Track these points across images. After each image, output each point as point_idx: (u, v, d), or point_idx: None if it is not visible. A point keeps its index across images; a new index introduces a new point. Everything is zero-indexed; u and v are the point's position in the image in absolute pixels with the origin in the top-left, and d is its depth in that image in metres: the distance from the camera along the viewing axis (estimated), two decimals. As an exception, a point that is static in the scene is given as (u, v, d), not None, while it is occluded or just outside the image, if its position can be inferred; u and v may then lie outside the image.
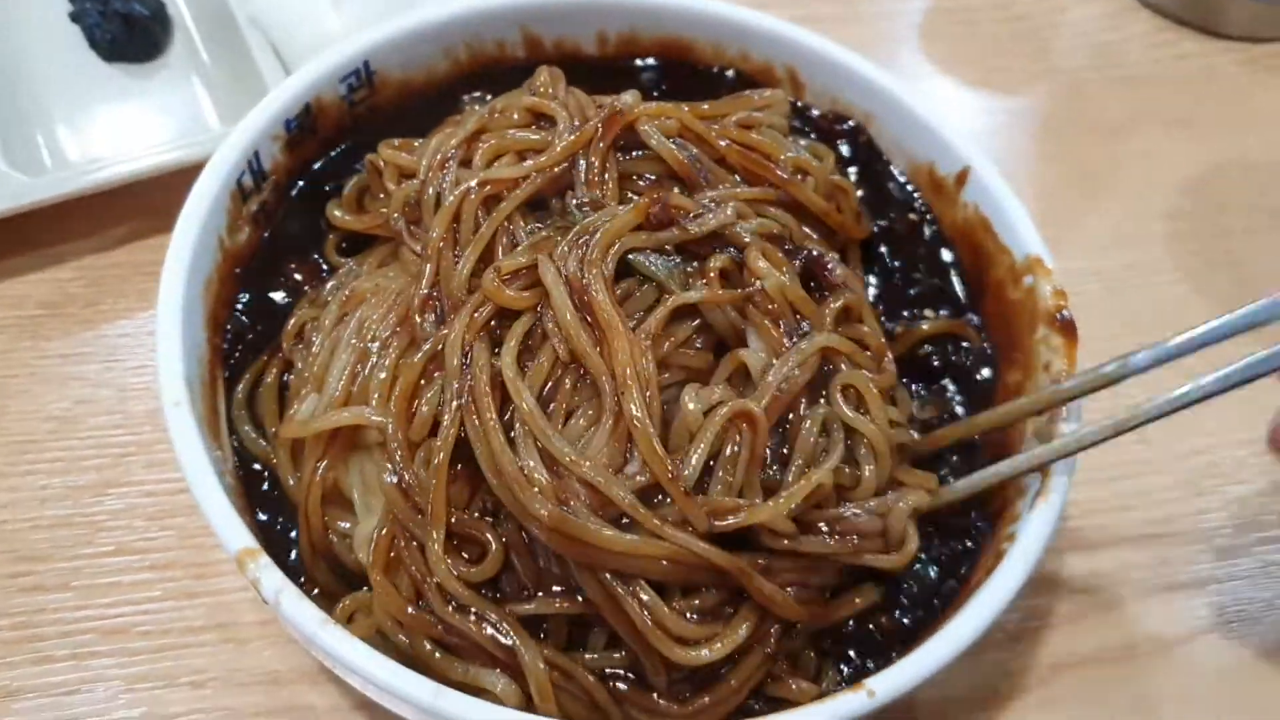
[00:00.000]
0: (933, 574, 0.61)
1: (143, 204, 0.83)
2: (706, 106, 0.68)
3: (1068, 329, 0.64)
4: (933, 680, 0.53)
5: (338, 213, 0.69)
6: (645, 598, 0.52)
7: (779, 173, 0.65)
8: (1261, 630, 0.73)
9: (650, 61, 0.79)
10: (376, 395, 0.57)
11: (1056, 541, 0.74)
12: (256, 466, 0.62)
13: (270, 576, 0.52)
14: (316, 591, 0.58)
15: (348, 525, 0.58)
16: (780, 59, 0.77)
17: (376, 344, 0.59)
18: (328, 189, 0.72)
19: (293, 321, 0.65)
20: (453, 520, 0.53)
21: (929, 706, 0.68)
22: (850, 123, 0.76)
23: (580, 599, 0.53)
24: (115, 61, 0.91)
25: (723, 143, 0.64)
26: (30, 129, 0.86)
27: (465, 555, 0.54)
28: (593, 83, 0.69)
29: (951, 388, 0.69)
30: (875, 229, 0.73)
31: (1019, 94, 1.04)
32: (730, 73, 0.78)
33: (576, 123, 0.63)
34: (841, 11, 1.07)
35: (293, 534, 0.60)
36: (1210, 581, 0.75)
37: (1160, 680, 0.70)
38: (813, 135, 0.76)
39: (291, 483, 0.60)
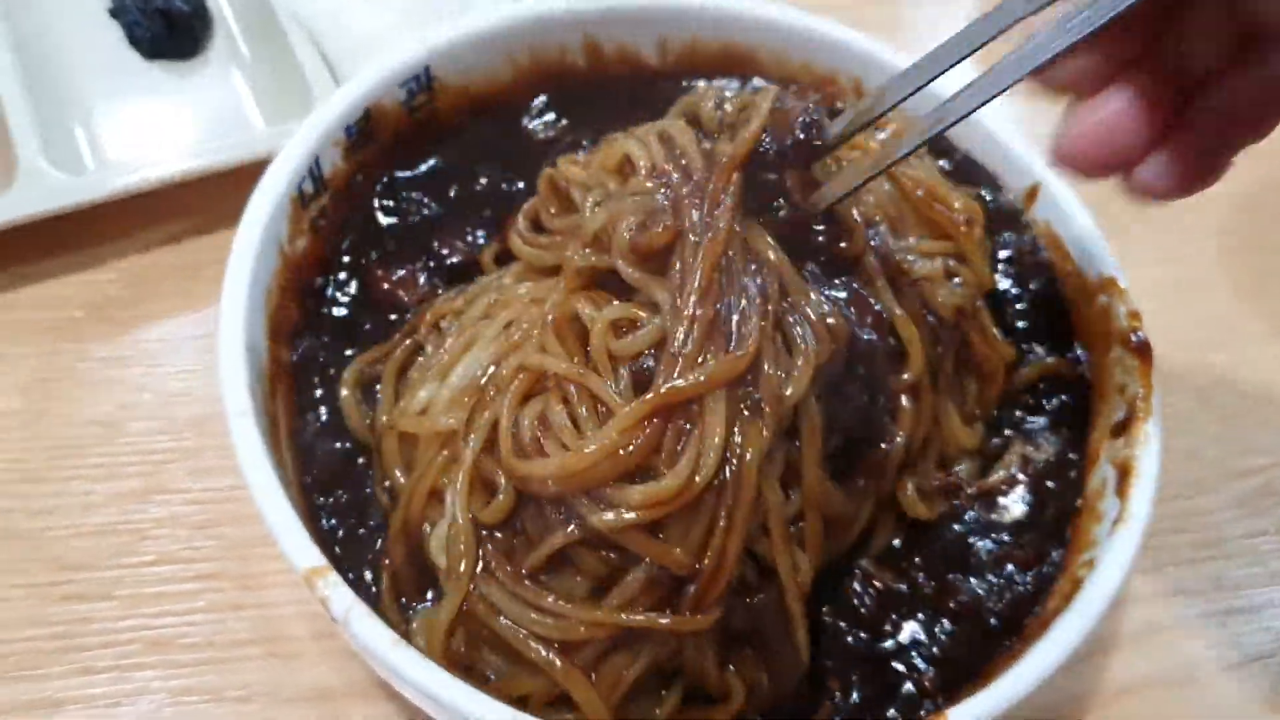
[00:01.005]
0: (1004, 603, 0.60)
1: (183, 204, 0.81)
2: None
3: (1143, 350, 0.63)
4: (1012, 711, 0.52)
5: (521, 246, 0.63)
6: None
7: (952, 219, 0.63)
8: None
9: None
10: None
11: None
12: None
13: (340, 595, 0.51)
14: (391, 577, 0.57)
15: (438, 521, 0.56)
16: (846, 69, 0.75)
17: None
18: (382, 201, 0.70)
19: (430, 313, 0.63)
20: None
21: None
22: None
23: None
24: (155, 59, 0.90)
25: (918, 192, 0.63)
26: (70, 127, 0.84)
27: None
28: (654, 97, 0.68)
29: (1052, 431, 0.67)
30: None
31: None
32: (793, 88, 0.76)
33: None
34: (887, 15, 1.06)
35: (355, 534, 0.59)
36: (1267, 606, 0.74)
37: (1220, 704, 0.69)
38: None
39: (399, 474, 0.58)
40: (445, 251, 0.68)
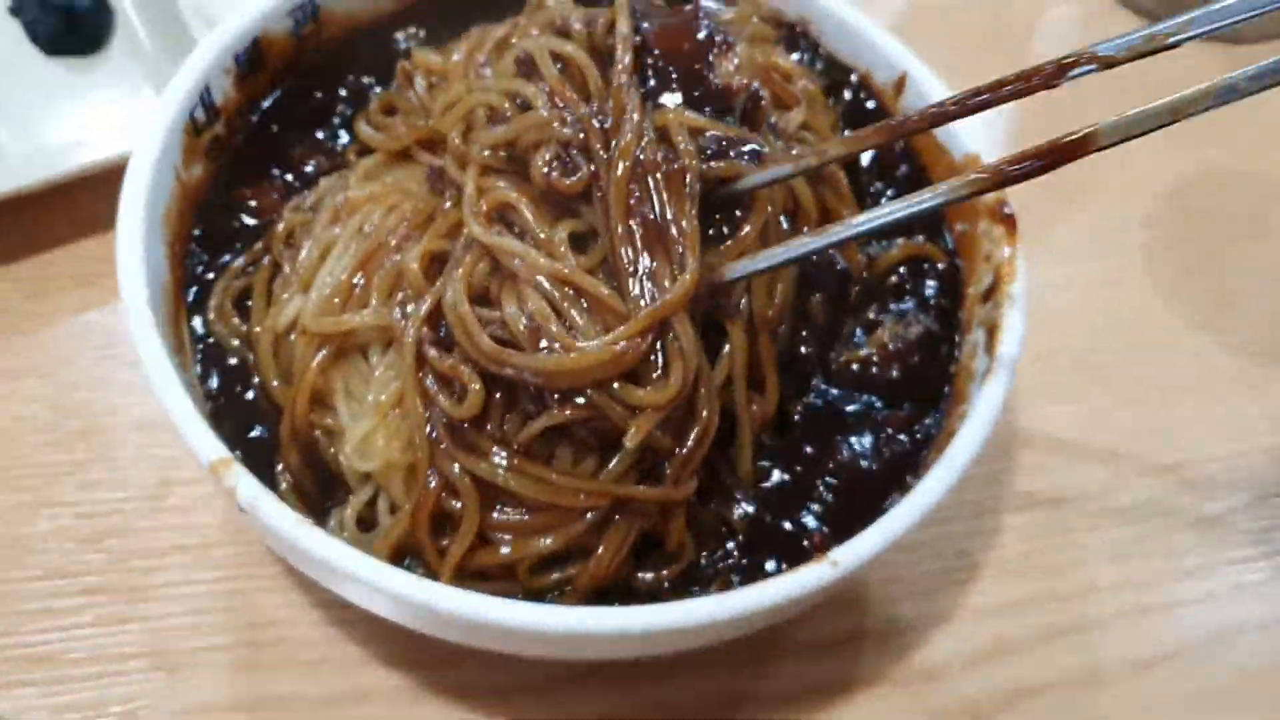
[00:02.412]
0: (885, 462, 0.64)
1: (84, 205, 0.80)
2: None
3: (1009, 220, 0.66)
4: (895, 547, 0.54)
5: (366, 129, 0.69)
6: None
7: (793, 92, 0.67)
8: (1232, 654, 0.71)
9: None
10: (375, 297, 0.59)
11: (1019, 563, 0.73)
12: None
13: (246, 483, 0.53)
14: (289, 483, 0.60)
15: (331, 422, 0.60)
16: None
17: (394, 243, 0.61)
18: (276, 128, 0.73)
19: (281, 226, 0.66)
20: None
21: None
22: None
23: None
24: (56, 55, 0.88)
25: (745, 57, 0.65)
26: (-30, 126, 0.82)
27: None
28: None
29: (919, 310, 0.70)
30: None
31: (994, 96, 1.01)
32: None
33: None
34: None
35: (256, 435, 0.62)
36: (1179, 604, 0.74)
37: (1124, 706, 0.69)
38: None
39: (275, 383, 0.62)
40: (312, 163, 0.72)
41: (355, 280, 0.61)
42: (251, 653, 0.65)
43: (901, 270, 0.71)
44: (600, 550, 0.57)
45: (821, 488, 0.63)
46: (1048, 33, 1.06)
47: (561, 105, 0.57)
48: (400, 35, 0.77)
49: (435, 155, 0.67)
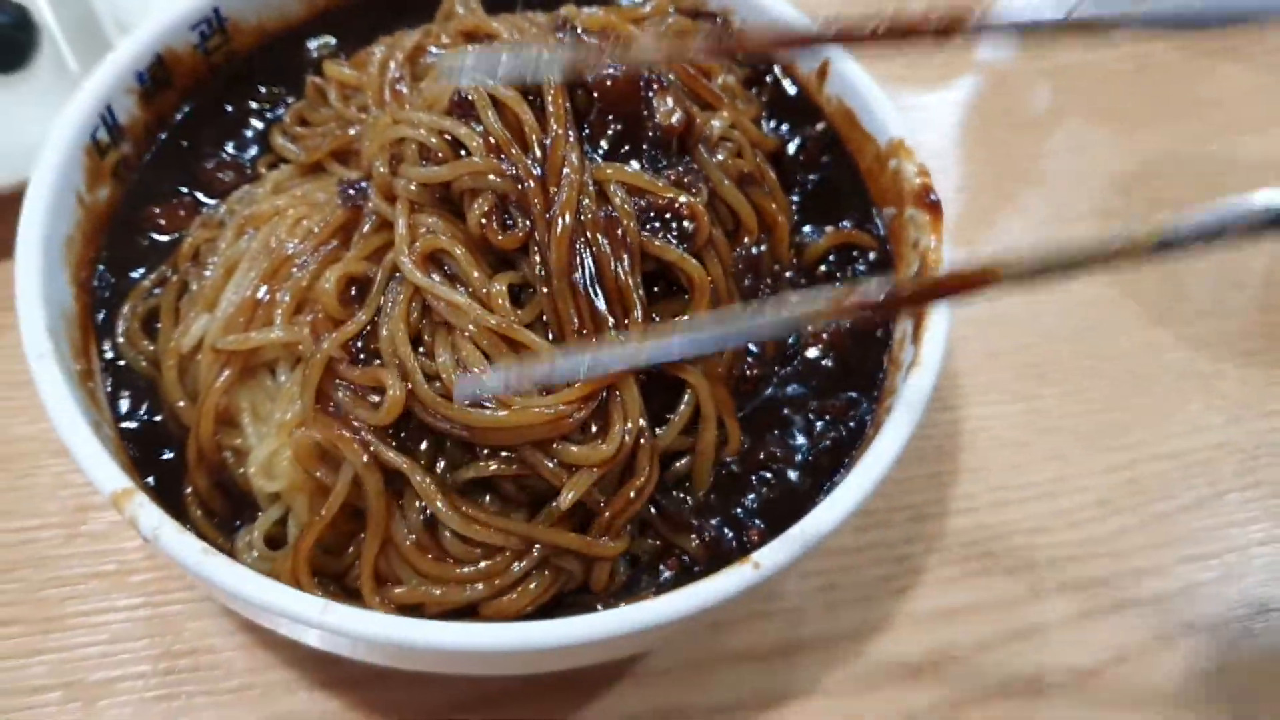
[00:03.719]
0: (810, 468, 0.62)
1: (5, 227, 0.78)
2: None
3: (934, 206, 0.65)
4: (822, 549, 0.53)
5: (281, 141, 0.69)
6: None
7: (714, 90, 0.66)
8: (1180, 656, 0.70)
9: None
10: (280, 314, 0.58)
11: (961, 569, 0.71)
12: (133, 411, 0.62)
13: (148, 513, 0.52)
14: (198, 507, 0.59)
15: (240, 442, 0.58)
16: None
17: (302, 257, 0.59)
18: (186, 144, 0.71)
19: (188, 243, 0.65)
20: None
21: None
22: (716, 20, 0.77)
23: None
24: (-22, 73, 0.86)
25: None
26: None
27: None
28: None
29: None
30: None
31: (940, 87, 0.99)
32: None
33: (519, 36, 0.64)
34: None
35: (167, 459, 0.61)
36: (1130, 605, 0.72)
37: (1070, 714, 0.67)
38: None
39: (182, 404, 0.61)
40: (222, 176, 0.70)
41: (260, 296, 0.60)
42: (172, 680, 0.64)
43: (831, 258, 0.70)
44: (515, 595, 0.55)
45: (758, 483, 0.62)
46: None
47: (498, 153, 0.56)
48: (311, 44, 0.76)
49: (347, 167, 0.66)
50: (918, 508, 0.74)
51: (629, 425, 0.53)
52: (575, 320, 0.53)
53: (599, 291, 0.54)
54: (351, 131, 0.66)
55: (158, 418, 0.62)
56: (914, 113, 0.96)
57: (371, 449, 0.53)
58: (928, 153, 0.68)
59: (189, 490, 0.59)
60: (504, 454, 0.53)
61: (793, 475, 0.62)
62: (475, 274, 0.54)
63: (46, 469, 0.70)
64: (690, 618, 0.51)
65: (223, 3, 0.72)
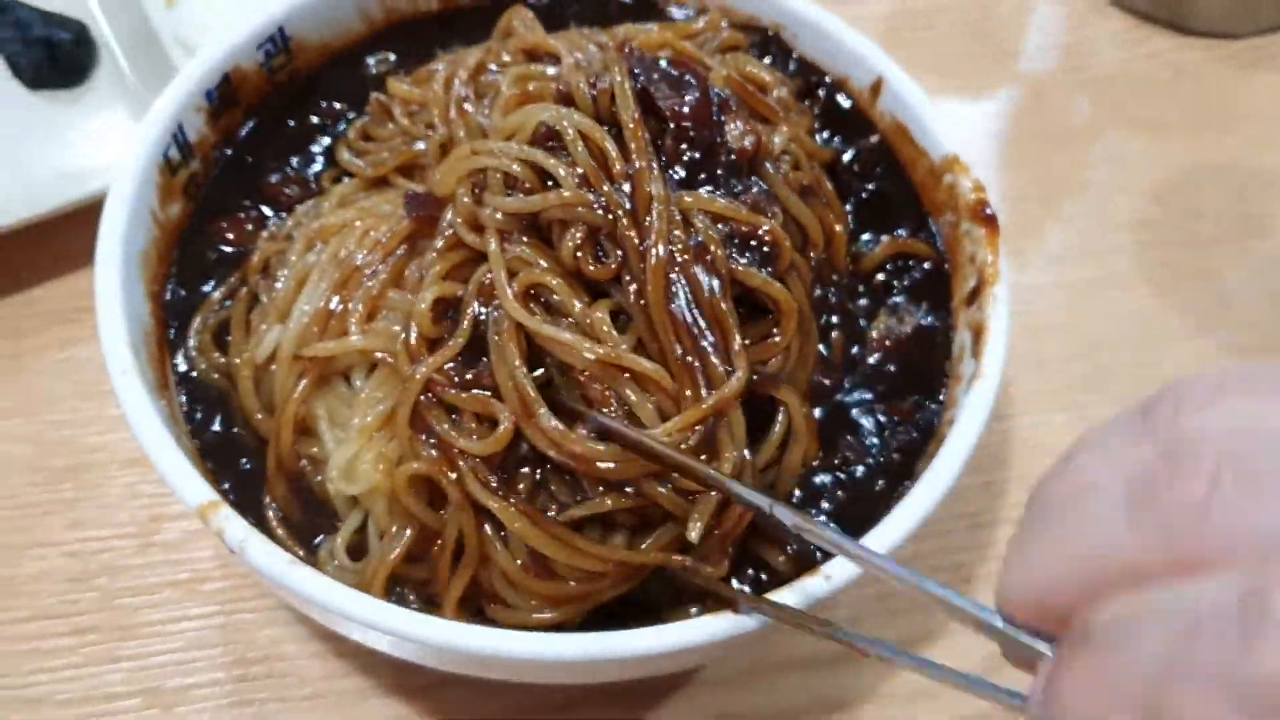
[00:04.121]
0: (882, 470, 0.63)
1: (66, 243, 0.79)
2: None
3: (989, 220, 0.67)
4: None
5: (347, 156, 0.70)
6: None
7: (771, 105, 0.67)
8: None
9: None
10: (354, 322, 0.59)
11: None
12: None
13: (234, 526, 0.53)
14: (277, 516, 0.60)
15: (316, 450, 0.60)
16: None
17: (371, 267, 0.61)
18: (250, 159, 0.73)
19: (256, 256, 0.66)
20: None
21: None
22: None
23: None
24: (39, 89, 0.88)
25: (723, 72, 0.66)
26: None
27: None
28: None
29: (910, 304, 0.70)
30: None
31: (981, 100, 1.00)
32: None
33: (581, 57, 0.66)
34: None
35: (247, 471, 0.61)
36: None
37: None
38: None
39: (259, 416, 0.62)
40: (287, 192, 0.71)
41: (333, 306, 0.61)
42: (246, 688, 0.65)
43: (888, 267, 0.71)
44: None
45: (832, 487, 0.63)
46: (1035, 33, 1.06)
47: (588, 185, 0.56)
48: (371, 60, 0.77)
49: (412, 180, 0.67)
50: (973, 516, 0.75)
51: (737, 449, 0.54)
52: (679, 349, 0.54)
53: (696, 318, 0.54)
54: (417, 146, 0.67)
55: (229, 429, 0.63)
56: (957, 125, 0.97)
57: (468, 489, 0.54)
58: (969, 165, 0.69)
59: (267, 499, 0.60)
60: (622, 487, 0.54)
61: (860, 485, 0.63)
62: (576, 305, 0.55)
63: (117, 480, 0.71)
64: (769, 629, 0.52)
65: (288, 22, 0.73)
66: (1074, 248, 0.90)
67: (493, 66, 0.69)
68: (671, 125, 0.57)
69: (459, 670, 0.56)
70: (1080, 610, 0.32)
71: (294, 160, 0.73)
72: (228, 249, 0.69)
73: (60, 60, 0.87)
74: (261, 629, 0.67)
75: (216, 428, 0.63)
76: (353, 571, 0.57)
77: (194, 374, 0.64)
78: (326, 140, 0.74)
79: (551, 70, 0.66)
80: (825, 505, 0.62)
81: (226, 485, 0.60)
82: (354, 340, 0.59)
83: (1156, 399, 0.32)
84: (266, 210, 0.71)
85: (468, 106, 0.66)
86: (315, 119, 0.75)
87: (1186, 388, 0.32)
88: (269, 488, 0.60)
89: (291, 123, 0.75)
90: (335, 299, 0.61)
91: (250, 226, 0.70)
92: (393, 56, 0.78)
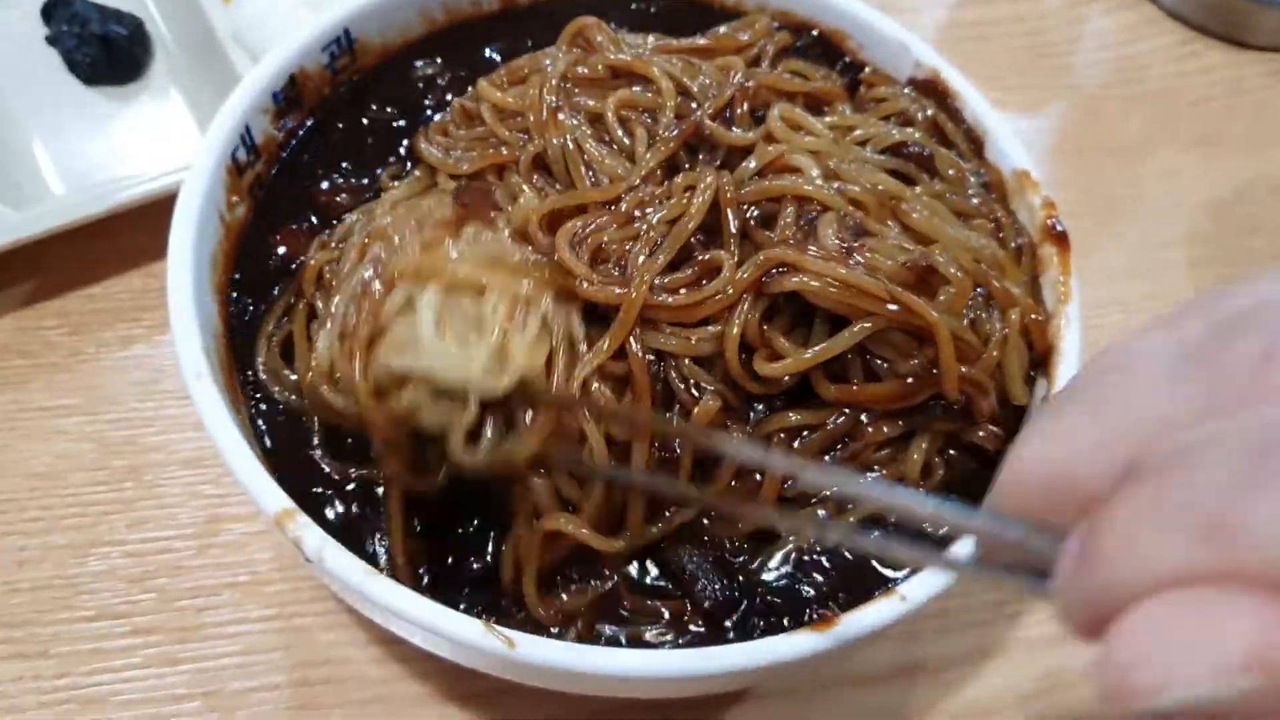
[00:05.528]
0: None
1: (126, 241, 0.79)
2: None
3: (1061, 238, 0.66)
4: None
5: (429, 149, 0.68)
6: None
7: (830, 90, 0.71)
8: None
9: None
10: None
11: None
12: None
13: (311, 534, 0.53)
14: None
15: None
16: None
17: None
18: (307, 159, 0.72)
19: (310, 266, 0.65)
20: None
21: None
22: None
23: None
24: (96, 85, 0.88)
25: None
26: (9, 159, 0.82)
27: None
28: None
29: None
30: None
31: (1034, 114, 0.99)
32: None
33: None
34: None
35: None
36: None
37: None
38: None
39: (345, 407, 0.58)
40: (339, 198, 0.70)
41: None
42: (306, 692, 0.65)
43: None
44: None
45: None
46: (1088, 45, 1.05)
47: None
48: (419, 62, 0.77)
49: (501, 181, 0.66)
50: (1031, 531, 0.74)
51: None
52: None
53: None
54: (505, 151, 0.66)
55: (298, 439, 0.62)
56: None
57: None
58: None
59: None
60: None
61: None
62: None
63: (176, 480, 0.71)
64: (848, 647, 0.52)
65: (353, 24, 0.73)
66: (1128, 264, 0.90)
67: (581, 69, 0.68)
68: None
69: (530, 682, 0.56)
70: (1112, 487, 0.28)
71: (344, 165, 0.72)
72: (281, 249, 0.68)
73: (116, 56, 0.87)
74: (321, 632, 0.67)
75: (278, 437, 0.62)
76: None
77: (254, 381, 0.63)
78: (376, 142, 0.73)
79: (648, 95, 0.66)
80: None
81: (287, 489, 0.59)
82: None
83: (1190, 300, 0.31)
84: (317, 217, 0.70)
85: (561, 116, 0.64)
86: (366, 121, 0.74)
87: (1221, 288, 0.30)
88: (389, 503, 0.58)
89: (346, 125, 0.74)
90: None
91: (303, 237, 0.69)
92: (439, 60, 0.77)
